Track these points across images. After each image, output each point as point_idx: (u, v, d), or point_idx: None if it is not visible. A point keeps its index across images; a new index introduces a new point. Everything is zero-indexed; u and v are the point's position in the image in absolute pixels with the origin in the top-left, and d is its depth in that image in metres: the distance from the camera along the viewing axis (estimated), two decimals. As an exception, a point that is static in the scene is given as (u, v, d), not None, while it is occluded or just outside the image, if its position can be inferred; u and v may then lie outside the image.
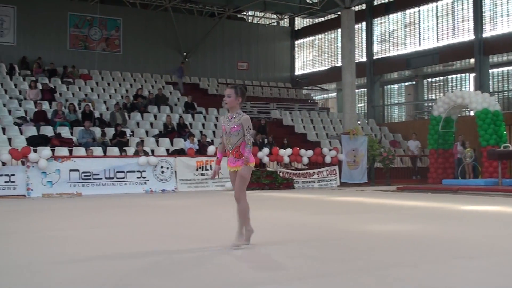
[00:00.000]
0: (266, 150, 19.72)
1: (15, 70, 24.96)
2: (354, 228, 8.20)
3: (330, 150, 20.94)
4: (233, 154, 6.39)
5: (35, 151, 16.38)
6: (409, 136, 24.83)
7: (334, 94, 35.30)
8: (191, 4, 30.23)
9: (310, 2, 30.77)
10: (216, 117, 24.70)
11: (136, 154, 18.11)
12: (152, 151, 19.11)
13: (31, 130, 18.81)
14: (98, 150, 18.04)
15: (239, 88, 6.44)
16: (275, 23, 35.05)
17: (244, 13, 34.04)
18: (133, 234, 7.89)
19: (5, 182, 15.67)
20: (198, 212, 11.50)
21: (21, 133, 18.58)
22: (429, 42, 27.64)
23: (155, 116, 22.94)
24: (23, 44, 26.40)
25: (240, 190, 6.39)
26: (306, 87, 33.77)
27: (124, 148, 18.75)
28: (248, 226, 6.48)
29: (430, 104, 28.23)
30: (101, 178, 16.81)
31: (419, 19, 28.27)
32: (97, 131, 19.55)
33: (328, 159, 20.48)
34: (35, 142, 17.62)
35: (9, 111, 20.34)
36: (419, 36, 28.17)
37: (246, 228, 6.46)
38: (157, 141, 20.33)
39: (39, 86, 22.45)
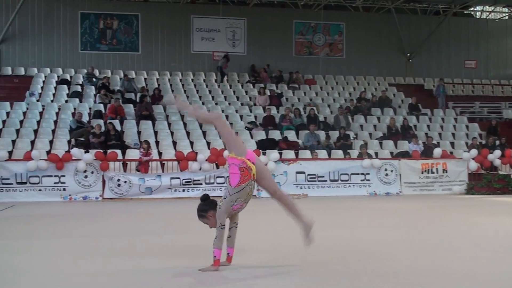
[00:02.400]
0: (497, 153, 18.52)
1: (246, 78, 26.65)
2: None
3: None
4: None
5: (264, 154, 17.19)
6: None
7: None
8: (415, 4, 29.59)
9: (548, -9, 28.30)
10: (442, 119, 23.81)
11: (360, 156, 18.15)
12: (376, 153, 19.02)
13: (261, 134, 19.88)
14: (322, 153, 18.43)
15: None
16: (506, 17, 32.78)
17: (472, 8, 32.39)
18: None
19: (238, 183, 16.68)
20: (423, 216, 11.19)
21: (252, 137, 19.69)
22: None
23: (378, 119, 22.81)
24: (253, 53, 27.97)
25: (275, 182, 6.12)
26: (543, 84, 31.05)
27: (348, 151, 18.92)
28: (303, 218, 5.81)
29: None
30: (325, 180, 17.14)
31: None
32: (322, 134, 20.00)
33: None
34: (264, 145, 18.54)
35: (241, 117, 21.69)
36: None
37: (302, 224, 5.80)
38: (380, 144, 20.18)
39: (267, 92, 23.63)
